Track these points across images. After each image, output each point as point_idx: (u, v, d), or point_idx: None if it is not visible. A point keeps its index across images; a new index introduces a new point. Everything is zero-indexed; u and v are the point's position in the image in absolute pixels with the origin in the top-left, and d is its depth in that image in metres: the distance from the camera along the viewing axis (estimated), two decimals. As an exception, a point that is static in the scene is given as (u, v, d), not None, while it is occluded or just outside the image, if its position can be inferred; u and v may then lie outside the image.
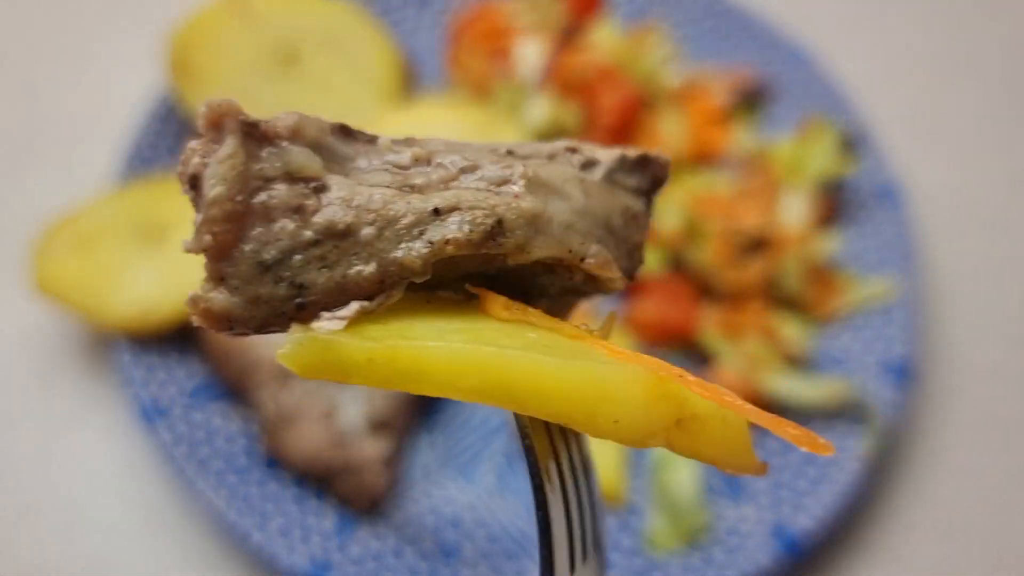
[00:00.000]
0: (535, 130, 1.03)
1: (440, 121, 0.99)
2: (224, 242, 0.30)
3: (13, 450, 0.92)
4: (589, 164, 0.39)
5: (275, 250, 0.31)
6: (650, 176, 0.41)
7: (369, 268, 0.32)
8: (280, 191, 0.31)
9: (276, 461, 0.85)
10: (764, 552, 0.81)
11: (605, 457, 0.87)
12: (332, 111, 0.98)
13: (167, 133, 1.00)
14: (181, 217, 0.91)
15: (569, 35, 1.11)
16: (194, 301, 0.31)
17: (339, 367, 0.31)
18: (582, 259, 0.36)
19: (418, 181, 0.34)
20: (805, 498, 0.84)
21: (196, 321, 0.31)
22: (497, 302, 0.35)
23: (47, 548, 0.86)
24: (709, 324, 0.95)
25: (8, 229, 1.03)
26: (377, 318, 0.33)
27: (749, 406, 0.34)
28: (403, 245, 0.32)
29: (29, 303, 0.97)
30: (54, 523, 0.88)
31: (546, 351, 0.32)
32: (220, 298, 0.30)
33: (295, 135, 0.32)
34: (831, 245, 0.99)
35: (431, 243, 0.32)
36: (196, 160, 0.31)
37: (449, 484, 0.88)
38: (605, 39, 1.10)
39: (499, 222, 0.33)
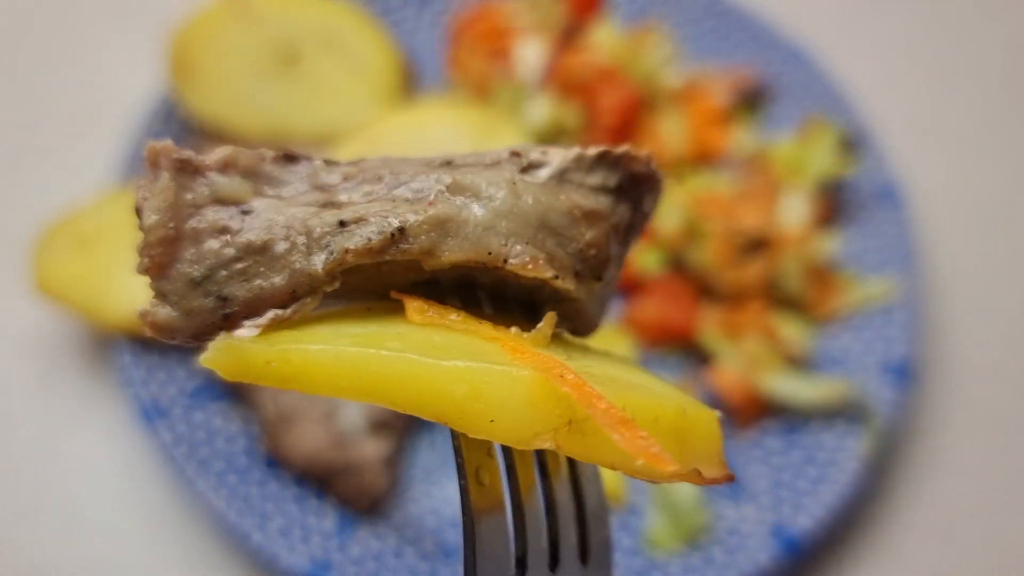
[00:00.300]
0: (535, 130, 1.03)
1: (440, 121, 0.99)
2: (161, 263, 0.35)
3: (13, 450, 0.92)
4: (533, 166, 0.39)
5: (203, 268, 0.35)
6: (623, 173, 0.40)
7: (280, 279, 0.35)
8: (208, 216, 0.35)
9: (276, 461, 0.85)
10: (764, 552, 0.81)
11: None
12: (332, 111, 0.99)
13: (167, 133, 1.00)
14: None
15: (569, 35, 1.11)
16: (143, 315, 0.35)
17: (248, 370, 0.34)
18: (505, 260, 0.36)
19: (342, 198, 0.37)
20: (805, 498, 0.84)
21: (147, 332, 0.35)
22: (411, 307, 0.36)
23: (47, 548, 0.86)
24: (709, 324, 0.95)
25: (8, 229, 1.03)
26: (294, 324, 0.35)
27: (612, 411, 0.32)
28: (310, 257, 0.35)
29: (29, 303, 0.97)
30: (54, 523, 0.88)
31: (429, 352, 0.33)
32: (163, 312, 0.35)
33: (226, 166, 0.36)
34: (831, 245, 0.99)
35: (332, 253, 0.35)
36: (139, 195, 0.35)
37: (449, 484, 0.88)
38: (605, 39, 1.10)
39: (401, 229, 0.35)
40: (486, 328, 0.36)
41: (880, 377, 0.90)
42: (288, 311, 0.35)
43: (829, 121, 1.03)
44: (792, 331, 0.94)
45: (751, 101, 1.10)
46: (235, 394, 0.89)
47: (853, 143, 1.04)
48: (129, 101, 1.10)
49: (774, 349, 0.93)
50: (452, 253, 0.35)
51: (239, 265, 0.35)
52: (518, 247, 0.36)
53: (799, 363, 0.94)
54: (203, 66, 0.96)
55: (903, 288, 0.95)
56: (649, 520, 0.86)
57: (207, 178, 0.36)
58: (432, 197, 0.36)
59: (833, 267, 0.99)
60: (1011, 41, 1.31)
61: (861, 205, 1.02)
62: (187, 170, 0.35)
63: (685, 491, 0.86)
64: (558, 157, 0.39)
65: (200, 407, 0.87)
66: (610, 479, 0.87)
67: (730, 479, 0.35)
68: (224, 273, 0.35)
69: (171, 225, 0.35)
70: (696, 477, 0.33)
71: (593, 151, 0.39)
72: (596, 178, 0.39)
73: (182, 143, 1.08)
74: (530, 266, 0.36)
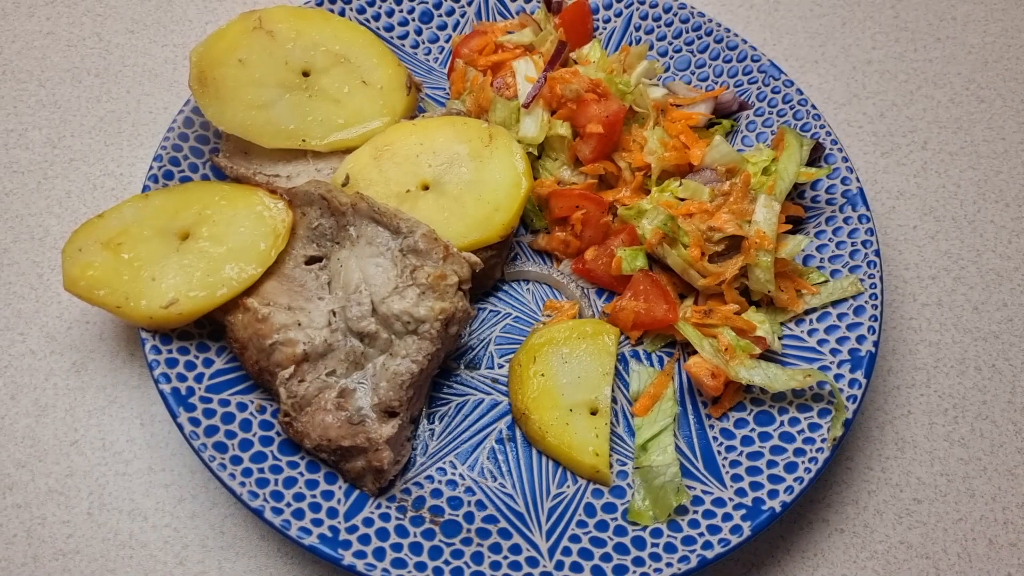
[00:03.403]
0: (529, 141, 1.06)
1: (442, 132, 1.01)
2: None
3: (47, 434, 0.94)
4: None
5: None
6: None
7: None
8: None
9: (291, 445, 0.88)
10: (738, 531, 0.83)
11: (592, 441, 0.90)
12: (342, 123, 1.02)
13: (189, 142, 1.03)
14: (201, 220, 0.92)
15: (561, 54, 1.12)
16: None
17: None
18: None
19: None
20: (778, 481, 0.86)
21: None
22: None
23: (75, 528, 0.89)
24: (688, 318, 0.97)
25: (43, 231, 1.05)
26: None
27: None
28: None
29: (61, 300, 1.00)
30: (83, 502, 0.90)
31: None
32: None
33: None
34: (801, 246, 1.01)
35: None
36: None
37: (450, 469, 0.91)
38: (594, 58, 1.13)
39: None
40: None
41: (848, 367, 0.92)
42: None
43: (800, 133, 1.05)
44: (766, 325, 0.97)
45: (727, 114, 1.13)
46: (251, 383, 0.91)
47: (821, 153, 1.07)
48: (154, 112, 1.14)
49: (749, 342, 0.95)
50: None
51: None
52: None
53: (772, 355, 0.96)
54: (222, 80, 0.98)
55: (868, 285, 0.97)
56: (631, 500, 0.88)
57: None
58: None
59: (803, 266, 1.02)
60: (966, 58, 1.35)
61: (829, 210, 1.05)
62: None
63: (665, 472, 0.88)
64: None
65: (219, 395, 0.89)
66: (596, 461, 0.90)
67: None
68: None
69: None
70: None
71: None
72: None
73: (203, 150, 1.11)
74: None
